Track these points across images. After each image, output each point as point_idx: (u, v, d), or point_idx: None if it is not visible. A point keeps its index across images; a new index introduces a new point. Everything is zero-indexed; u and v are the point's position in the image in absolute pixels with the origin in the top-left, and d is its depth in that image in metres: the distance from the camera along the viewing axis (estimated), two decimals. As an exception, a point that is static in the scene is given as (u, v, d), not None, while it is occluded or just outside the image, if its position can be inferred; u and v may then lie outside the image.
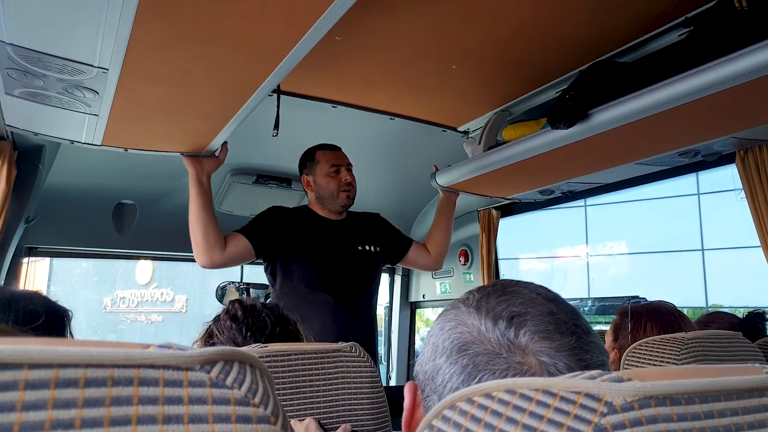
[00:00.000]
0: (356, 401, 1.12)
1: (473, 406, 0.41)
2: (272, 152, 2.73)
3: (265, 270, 2.38)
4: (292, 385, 1.06)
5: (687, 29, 1.64)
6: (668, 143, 1.94)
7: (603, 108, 1.70)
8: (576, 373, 0.40)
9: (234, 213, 2.94)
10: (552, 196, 2.75)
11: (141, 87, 1.51)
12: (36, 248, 2.74)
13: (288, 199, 2.93)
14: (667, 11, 1.65)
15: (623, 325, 1.72)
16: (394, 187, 3.23)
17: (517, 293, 0.60)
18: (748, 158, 1.97)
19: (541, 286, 0.63)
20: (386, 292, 3.76)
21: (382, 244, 2.48)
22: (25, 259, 2.69)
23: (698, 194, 16.52)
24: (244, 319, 1.19)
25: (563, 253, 19.55)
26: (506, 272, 3.40)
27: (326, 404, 1.09)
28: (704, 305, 15.76)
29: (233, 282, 2.91)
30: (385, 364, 3.65)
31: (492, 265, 3.10)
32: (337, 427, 1.08)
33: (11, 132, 1.97)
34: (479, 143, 2.32)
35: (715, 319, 2.13)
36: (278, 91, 2.07)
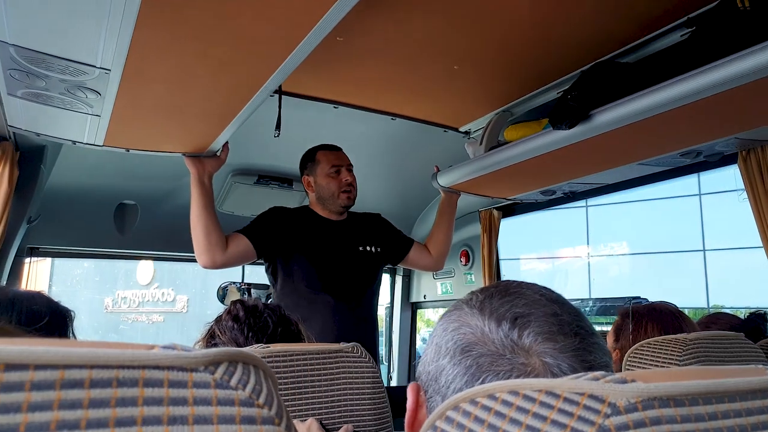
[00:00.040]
0: (358, 402, 1.12)
1: (477, 407, 0.41)
2: (273, 153, 2.74)
3: (266, 270, 2.38)
4: (294, 385, 1.06)
5: (689, 29, 1.64)
6: (670, 144, 1.94)
7: (605, 108, 1.70)
8: (579, 374, 0.40)
9: (235, 213, 2.94)
10: (553, 196, 2.74)
11: (143, 87, 1.51)
12: (38, 248, 2.74)
13: (289, 199, 2.94)
14: (669, 11, 1.65)
15: (624, 326, 1.72)
16: (395, 187, 3.23)
17: (521, 294, 0.60)
18: (751, 159, 1.97)
19: (544, 287, 0.63)
20: (387, 292, 3.76)
21: (383, 244, 2.48)
22: (27, 260, 2.69)
23: (699, 195, 16.51)
24: (245, 320, 1.20)
25: (564, 253, 19.54)
26: (507, 273, 3.40)
27: (328, 405, 1.09)
28: (705, 306, 15.75)
29: (234, 282, 2.91)
30: (386, 364, 3.65)
31: (493, 265, 3.10)
32: (339, 428, 1.08)
33: (13, 132, 1.98)
34: (481, 144, 2.32)
35: (716, 320, 2.12)
36: (280, 91, 2.07)
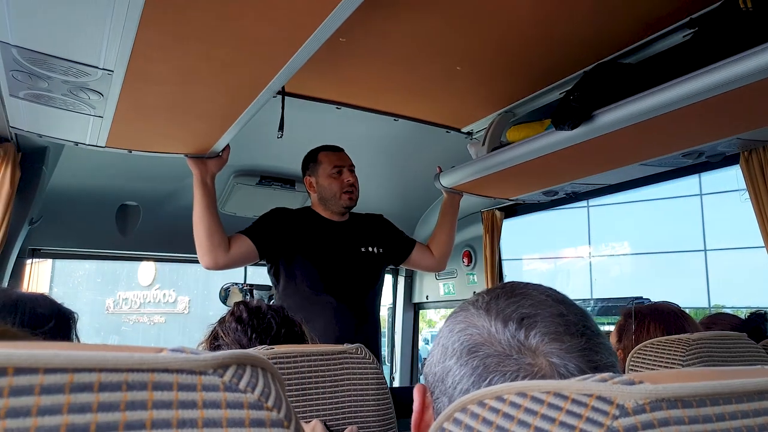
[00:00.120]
0: (362, 403, 1.12)
1: (484, 408, 0.41)
2: (276, 154, 2.74)
3: (269, 271, 2.38)
4: (298, 386, 1.06)
5: (692, 30, 1.64)
6: (672, 144, 1.94)
7: (607, 109, 1.70)
8: (587, 375, 0.40)
9: (237, 214, 2.94)
10: (556, 197, 2.74)
11: (146, 88, 1.51)
12: (39, 250, 2.75)
13: (291, 200, 2.94)
14: (672, 12, 1.65)
15: (627, 326, 1.72)
16: (397, 188, 3.24)
17: (527, 295, 0.60)
18: (752, 159, 1.97)
19: (550, 288, 0.63)
20: (390, 293, 3.76)
21: (385, 245, 2.48)
22: (29, 261, 2.69)
23: (701, 195, 16.51)
24: (249, 321, 1.19)
25: (566, 253, 19.55)
26: (509, 273, 3.40)
27: (332, 406, 1.09)
28: (707, 306, 15.75)
29: (237, 283, 2.92)
30: (389, 365, 3.65)
31: (495, 266, 3.10)
32: (344, 429, 1.07)
33: (15, 134, 1.98)
34: (483, 144, 2.32)
35: (717, 320, 2.12)
36: (283, 92, 2.07)
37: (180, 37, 1.25)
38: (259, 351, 1.03)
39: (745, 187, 2.01)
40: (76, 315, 1.27)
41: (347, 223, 2.41)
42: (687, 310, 1.73)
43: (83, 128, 1.80)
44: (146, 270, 15.32)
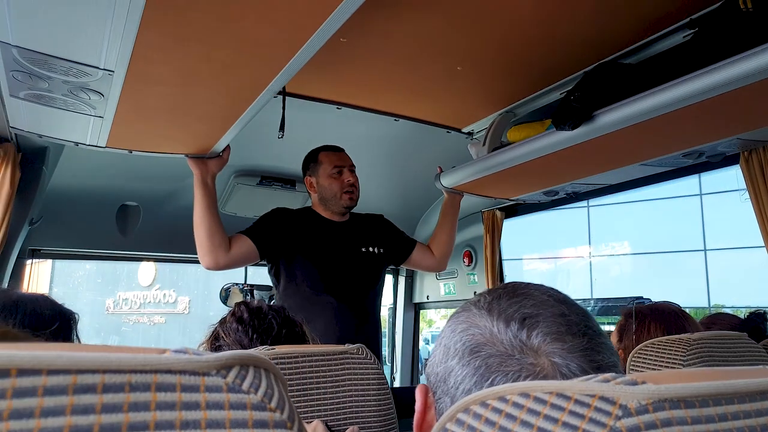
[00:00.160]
0: (363, 403, 1.12)
1: (487, 409, 0.41)
2: (276, 154, 2.74)
3: (269, 271, 2.38)
4: (299, 387, 1.06)
5: (692, 30, 1.64)
6: (673, 144, 1.94)
7: (608, 109, 1.70)
8: (590, 376, 0.40)
9: (238, 214, 2.94)
10: (556, 197, 2.74)
11: (146, 89, 1.51)
12: (39, 250, 2.74)
13: (292, 200, 2.94)
14: (672, 12, 1.65)
15: (628, 326, 1.72)
16: (398, 188, 3.24)
17: (529, 295, 0.60)
18: (752, 159, 1.97)
19: (551, 288, 0.63)
20: (390, 293, 3.76)
21: (386, 245, 2.48)
22: (29, 261, 2.69)
23: (700, 195, 16.52)
24: (250, 322, 1.19)
25: (566, 253, 19.56)
26: (510, 273, 3.41)
27: (333, 406, 1.09)
28: (706, 305, 15.76)
29: (237, 284, 2.92)
30: (389, 365, 3.65)
31: (496, 265, 3.10)
32: (345, 429, 1.07)
33: (15, 134, 1.98)
34: (484, 144, 2.32)
35: (717, 320, 2.13)
36: (284, 93, 2.07)
37: (180, 38, 1.25)
38: (260, 351, 1.03)
39: (745, 187, 2.02)
40: (77, 316, 1.27)
41: (348, 224, 2.41)
42: (687, 310, 1.73)
43: (84, 128, 1.80)
44: (146, 270, 15.32)
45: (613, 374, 0.39)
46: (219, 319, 1.28)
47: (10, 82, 1.49)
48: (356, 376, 1.13)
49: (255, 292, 2.90)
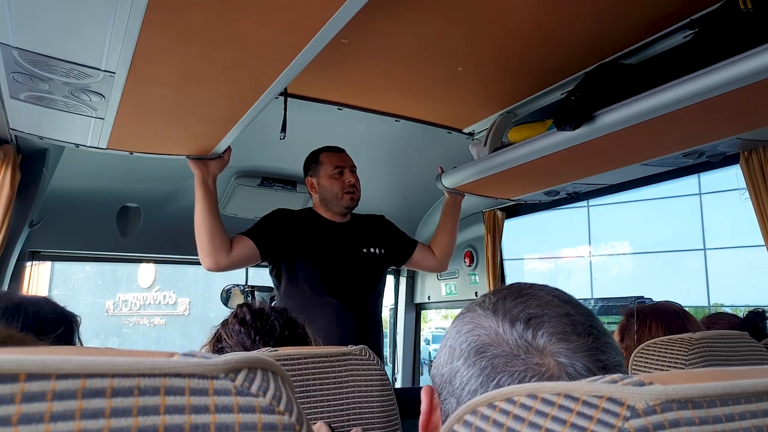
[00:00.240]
0: (366, 404, 1.12)
1: (495, 410, 0.41)
2: (277, 155, 2.74)
3: (270, 273, 2.38)
4: (303, 388, 1.06)
5: (692, 31, 1.64)
6: (673, 144, 1.94)
7: (609, 109, 1.70)
8: (597, 377, 0.40)
9: (239, 215, 2.94)
10: (557, 197, 2.75)
11: (147, 90, 1.51)
12: (39, 252, 2.74)
13: (293, 201, 2.94)
14: (672, 13, 1.65)
15: (629, 326, 1.72)
16: (399, 188, 3.24)
17: (533, 295, 0.61)
18: (752, 159, 1.97)
19: (556, 288, 0.63)
20: (391, 293, 3.76)
21: (387, 246, 2.48)
22: (29, 263, 2.69)
23: (700, 194, 16.53)
24: (252, 323, 1.19)
25: (566, 253, 19.57)
26: (511, 273, 3.42)
27: (337, 407, 1.09)
28: (706, 304, 15.78)
29: (238, 285, 2.92)
30: (391, 365, 3.65)
31: (497, 266, 3.10)
32: (348, 431, 1.07)
33: (15, 136, 1.97)
34: (485, 145, 2.32)
35: (717, 320, 2.13)
36: (285, 93, 2.07)
37: (182, 39, 1.25)
38: (263, 353, 1.03)
39: (744, 186, 2.02)
40: (78, 318, 1.27)
41: (349, 224, 2.41)
42: (686, 309, 1.73)
43: (84, 130, 1.80)
44: (146, 272, 15.30)
45: (621, 375, 0.39)
46: (220, 320, 1.28)
47: (10, 84, 1.48)
48: (359, 378, 1.13)
49: (256, 293, 2.90)
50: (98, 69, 1.36)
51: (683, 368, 1.32)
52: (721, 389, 0.40)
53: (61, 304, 1.28)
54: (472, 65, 1.97)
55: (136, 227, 2.88)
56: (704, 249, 16.66)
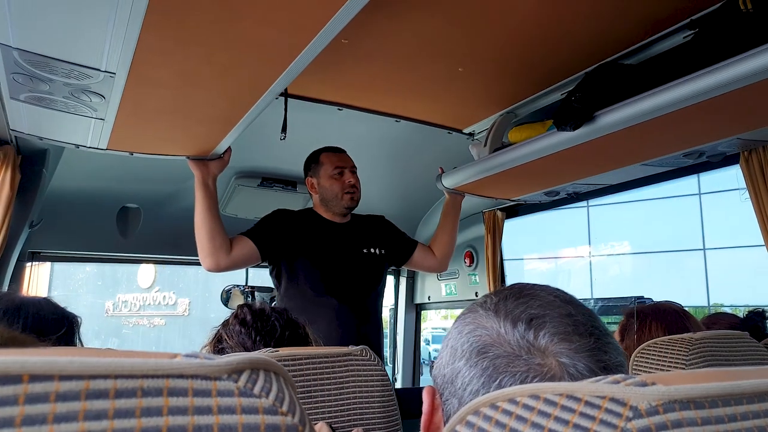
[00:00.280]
0: (367, 404, 1.12)
1: (497, 411, 0.41)
2: (277, 155, 2.74)
3: (270, 273, 2.38)
4: (304, 389, 1.06)
5: (692, 31, 1.64)
6: (673, 144, 1.95)
7: (609, 110, 1.70)
8: (599, 377, 0.40)
9: (239, 216, 2.94)
10: (557, 197, 2.75)
11: (148, 91, 1.51)
12: (39, 253, 2.74)
13: (293, 201, 2.94)
14: (672, 13, 1.66)
15: (629, 326, 1.72)
16: (399, 189, 3.24)
17: (535, 296, 0.61)
18: (752, 159, 1.98)
19: (557, 289, 0.63)
20: (391, 293, 3.76)
21: (387, 246, 2.48)
22: (29, 264, 2.69)
23: (699, 194, 16.54)
24: (253, 324, 1.19)
25: (566, 253, 19.58)
26: (510, 273, 3.42)
27: (338, 408, 1.09)
28: (706, 304, 15.78)
29: (238, 285, 2.92)
30: (391, 365, 3.65)
31: (497, 266, 3.10)
32: (350, 431, 1.07)
33: (15, 136, 1.97)
34: (485, 145, 2.32)
35: (717, 320, 2.13)
36: (285, 94, 2.07)
37: (182, 40, 1.25)
38: (264, 354, 1.03)
39: (744, 186, 2.02)
40: (79, 319, 1.27)
41: (349, 225, 2.41)
42: (686, 309, 1.73)
43: (84, 131, 1.80)
44: (146, 272, 15.29)
45: (623, 375, 0.40)
46: (219, 321, 1.28)
47: (10, 85, 1.48)
48: (360, 378, 1.13)
49: (256, 293, 2.89)
50: (98, 70, 1.36)
51: (684, 368, 1.32)
52: (723, 389, 0.40)
53: (61, 305, 1.28)
54: (472, 65, 1.97)
55: (136, 228, 2.88)
56: (704, 249, 16.67)
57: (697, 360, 1.34)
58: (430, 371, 0.69)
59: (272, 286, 2.44)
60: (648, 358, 1.43)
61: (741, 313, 2.25)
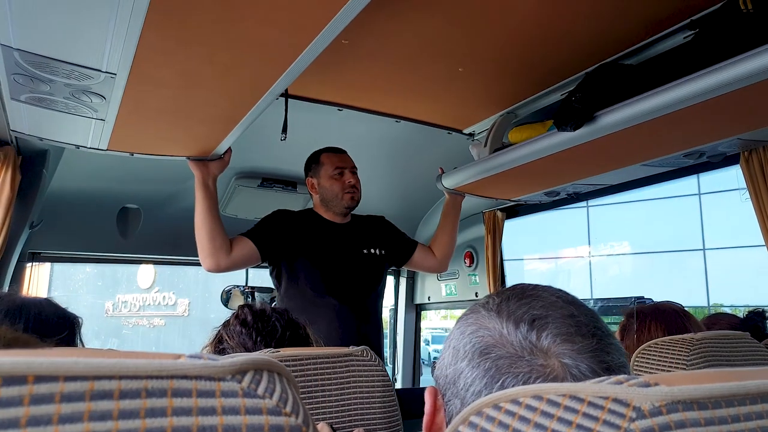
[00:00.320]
0: (368, 405, 1.12)
1: (500, 412, 0.41)
2: (277, 155, 2.74)
3: (271, 273, 2.38)
4: (305, 389, 1.06)
5: (692, 31, 1.65)
6: (674, 145, 1.95)
7: (609, 110, 1.70)
8: (602, 378, 0.40)
9: (239, 216, 2.94)
10: (557, 197, 2.75)
11: (148, 91, 1.51)
12: (39, 253, 2.74)
13: (293, 202, 2.94)
14: (673, 13, 1.66)
15: (629, 326, 1.72)
16: (399, 189, 3.24)
17: (537, 297, 0.60)
18: (753, 159, 1.98)
19: (559, 290, 0.63)
20: (391, 294, 3.76)
21: (387, 247, 2.48)
22: (29, 264, 2.68)
23: (699, 194, 16.54)
24: (254, 324, 1.19)
25: (566, 253, 19.58)
26: (510, 273, 3.42)
27: (339, 408, 1.09)
28: (706, 304, 15.79)
29: (238, 286, 2.91)
30: (391, 366, 3.65)
31: (497, 266, 3.10)
32: (351, 431, 1.08)
33: (15, 137, 1.97)
34: (485, 145, 2.32)
35: (717, 320, 2.13)
36: (286, 95, 2.07)
37: (183, 40, 1.25)
38: (266, 354, 1.03)
39: (745, 186, 2.02)
40: (80, 320, 1.27)
41: (349, 225, 2.41)
42: (686, 309, 1.73)
43: (85, 131, 1.80)
44: (146, 273, 15.29)
45: (626, 376, 0.40)
46: (219, 321, 1.28)
47: (11, 86, 1.48)
48: (361, 378, 1.13)
49: (256, 294, 2.89)
50: (99, 70, 1.36)
51: (685, 369, 1.32)
52: (726, 390, 0.40)
53: (62, 306, 1.28)
54: (472, 65, 1.97)
55: (136, 228, 2.88)
56: (704, 249, 16.67)
57: (698, 360, 1.34)
58: (432, 372, 0.68)
59: (272, 286, 2.44)
60: (649, 359, 1.43)
61: (741, 314, 2.24)
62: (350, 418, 1.09)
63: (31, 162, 2.21)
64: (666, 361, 1.39)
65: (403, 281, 3.76)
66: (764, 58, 1.31)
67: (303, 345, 1.24)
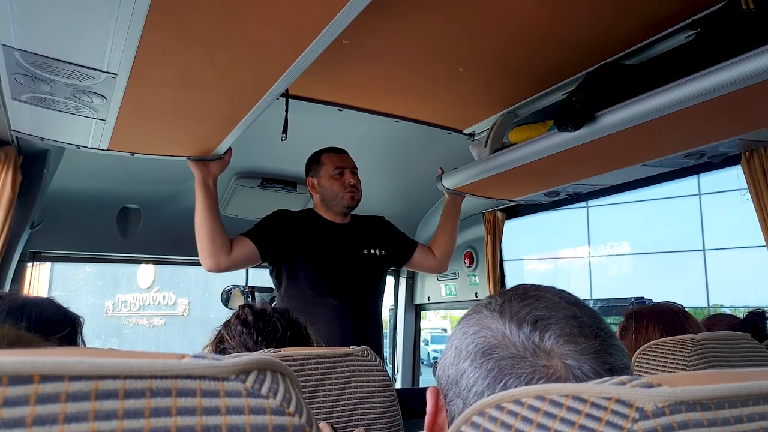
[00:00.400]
0: (369, 405, 1.12)
1: (503, 412, 0.41)
2: (277, 155, 2.74)
3: (271, 273, 2.38)
4: (306, 389, 1.06)
5: (694, 31, 1.64)
6: (675, 145, 1.94)
7: (610, 110, 1.70)
8: (605, 378, 0.40)
9: (239, 216, 2.94)
10: (557, 198, 2.74)
11: (149, 91, 1.51)
12: (40, 253, 2.74)
13: (293, 202, 2.94)
14: (674, 13, 1.66)
15: (628, 327, 1.72)
16: (399, 189, 3.24)
17: (540, 297, 0.60)
18: (754, 159, 1.98)
19: (562, 290, 0.63)
20: (391, 294, 3.76)
21: (387, 247, 2.48)
22: (29, 264, 2.69)
23: (699, 194, 16.54)
24: (255, 324, 1.19)
25: (566, 254, 19.58)
26: (510, 273, 3.41)
27: (339, 408, 1.09)
28: (706, 305, 15.79)
29: (238, 285, 2.92)
30: (391, 366, 3.65)
31: (497, 267, 3.10)
32: (351, 431, 1.07)
33: (16, 137, 1.97)
34: (485, 146, 2.32)
35: (717, 321, 2.13)
36: (286, 95, 2.07)
37: (184, 41, 1.25)
38: (267, 354, 1.03)
39: (745, 186, 2.02)
40: (81, 319, 1.27)
41: (349, 225, 2.41)
42: (686, 310, 1.73)
43: (85, 131, 1.80)
44: (145, 272, 15.29)
45: (629, 377, 0.40)
46: (219, 321, 1.28)
47: (12, 86, 1.48)
48: (361, 378, 1.13)
49: (256, 294, 2.90)
50: (100, 70, 1.36)
51: (685, 369, 1.32)
52: (729, 391, 0.40)
53: (64, 305, 1.28)
54: (472, 66, 1.97)
55: (136, 228, 2.88)
56: (703, 250, 16.67)
57: (698, 361, 1.34)
58: (433, 372, 0.68)
59: (272, 286, 2.44)
60: (649, 359, 1.43)
61: (741, 314, 2.24)
62: (351, 418, 1.09)
63: (32, 162, 2.21)
64: (666, 362, 1.38)
65: (402, 281, 3.76)
66: (766, 58, 1.30)
67: (303, 345, 1.24)
